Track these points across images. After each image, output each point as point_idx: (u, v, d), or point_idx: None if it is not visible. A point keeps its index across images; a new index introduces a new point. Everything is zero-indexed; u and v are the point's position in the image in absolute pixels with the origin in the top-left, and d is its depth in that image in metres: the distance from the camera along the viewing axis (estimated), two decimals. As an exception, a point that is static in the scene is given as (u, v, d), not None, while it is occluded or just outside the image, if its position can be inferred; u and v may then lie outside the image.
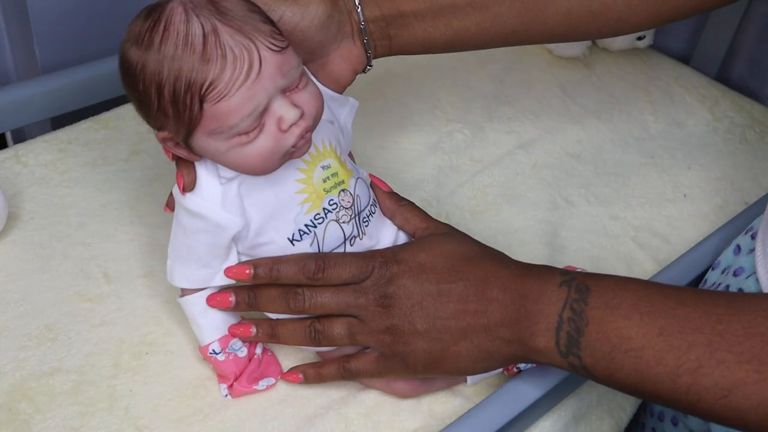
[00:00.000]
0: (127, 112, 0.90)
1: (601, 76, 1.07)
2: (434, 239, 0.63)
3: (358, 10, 0.67)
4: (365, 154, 0.90)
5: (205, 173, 0.59)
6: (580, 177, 0.91)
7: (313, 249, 0.61)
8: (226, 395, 0.64)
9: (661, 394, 0.51)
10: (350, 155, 0.69)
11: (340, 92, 0.69)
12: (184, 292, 0.63)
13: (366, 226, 0.64)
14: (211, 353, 0.63)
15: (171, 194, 0.62)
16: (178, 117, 0.55)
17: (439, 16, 0.69)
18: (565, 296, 0.55)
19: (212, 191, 0.59)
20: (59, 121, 0.90)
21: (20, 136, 0.95)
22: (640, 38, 1.09)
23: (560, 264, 0.75)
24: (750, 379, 0.48)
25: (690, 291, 0.54)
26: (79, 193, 0.80)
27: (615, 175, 0.92)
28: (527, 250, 0.81)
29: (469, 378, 0.66)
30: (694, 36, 1.12)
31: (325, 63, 0.68)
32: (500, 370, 0.66)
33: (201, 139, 0.56)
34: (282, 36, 0.56)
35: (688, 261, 0.76)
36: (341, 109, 0.68)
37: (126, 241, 0.76)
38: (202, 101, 0.54)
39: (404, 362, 0.60)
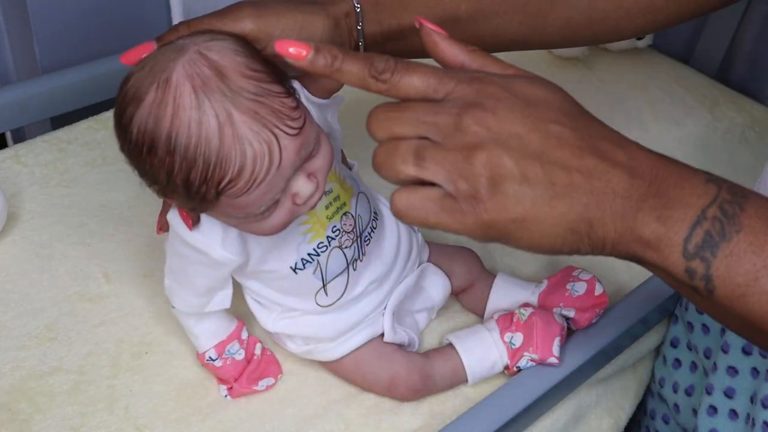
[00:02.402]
0: (127, 112, 0.90)
1: (601, 76, 1.07)
2: (542, 81, 0.50)
3: (359, 27, 0.65)
4: (365, 155, 0.90)
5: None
6: (579, 177, 0.91)
7: (316, 277, 0.61)
8: (226, 396, 0.64)
9: None
10: (342, 154, 0.68)
11: (329, 98, 0.66)
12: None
13: (367, 245, 0.63)
14: (208, 360, 0.63)
15: (162, 216, 0.60)
16: (189, 198, 0.51)
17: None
18: (714, 193, 0.46)
19: (214, 229, 0.57)
20: (59, 121, 0.90)
21: (20, 136, 0.95)
22: (639, 38, 1.09)
23: (560, 264, 0.75)
24: None
25: None
26: (78, 192, 0.80)
27: (615, 175, 0.92)
28: (527, 250, 0.81)
29: (470, 378, 0.66)
30: (694, 36, 1.12)
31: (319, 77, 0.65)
32: (501, 369, 0.66)
33: (213, 214, 0.54)
34: (297, 105, 0.52)
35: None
36: (328, 109, 0.66)
37: (125, 240, 0.76)
38: (219, 194, 0.50)
39: (475, 211, 0.45)
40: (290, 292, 0.62)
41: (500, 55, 0.54)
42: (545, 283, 0.70)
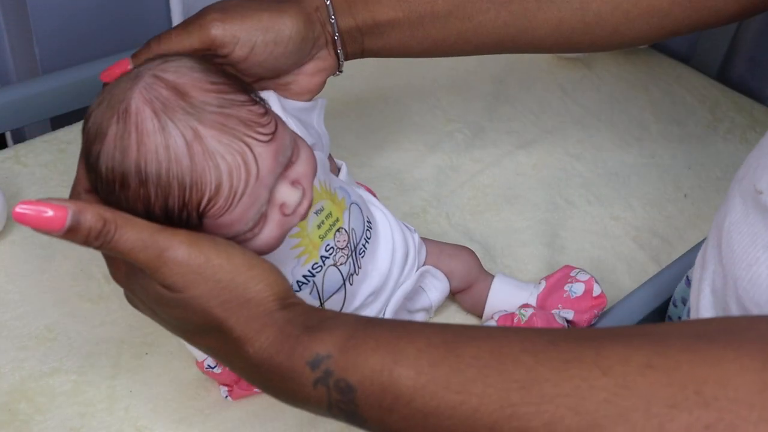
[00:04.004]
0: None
1: (601, 76, 1.07)
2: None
3: (332, 21, 0.65)
4: (365, 154, 0.90)
5: None
6: (580, 177, 0.91)
7: (313, 297, 0.60)
8: (227, 397, 0.64)
9: None
10: (330, 158, 0.68)
11: (311, 99, 0.66)
12: None
13: (362, 257, 0.63)
14: (207, 368, 0.63)
15: None
16: (172, 225, 0.49)
17: (417, 25, 0.66)
18: (326, 397, 0.44)
19: None
20: (59, 121, 0.90)
21: (20, 136, 0.95)
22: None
23: (559, 264, 0.75)
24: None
25: (478, 368, 0.41)
26: (79, 193, 0.80)
27: (615, 175, 0.92)
28: (527, 251, 0.81)
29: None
30: (694, 36, 1.12)
31: (298, 75, 0.65)
32: None
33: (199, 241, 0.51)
34: (265, 111, 0.51)
35: (688, 261, 0.76)
36: (312, 114, 0.66)
37: (126, 241, 0.76)
38: (201, 217, 0.49)
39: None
40: None
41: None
42: (543, 283, 0.70)
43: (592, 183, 0.91)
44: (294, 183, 0.51)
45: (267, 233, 0.51)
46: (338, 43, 0.65)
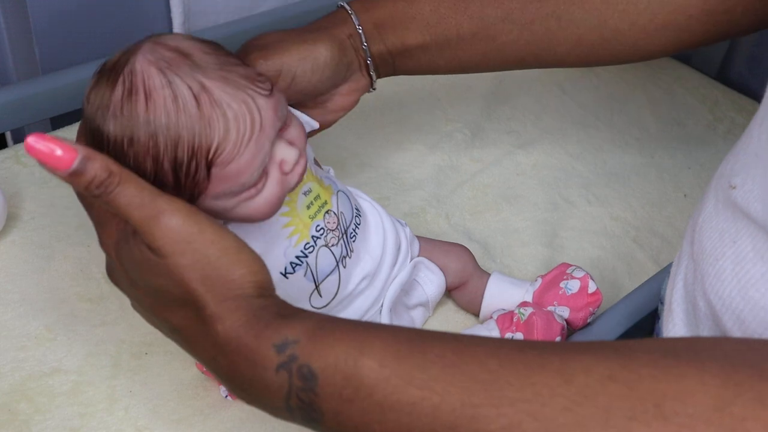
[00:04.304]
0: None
1: (601, 76, 1.07)
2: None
3: (364, 47, 0.68)
4: (365, 155, 0.90)
5: None
6: (580, 177, 0.91)
7: (308, 279, 0.61)
8: (226, 396, 0.64)
9: None
10: (315, 161, 0.69)
11: (344, 115, 0.70)
12: None
13: (353, 241, 0.63)
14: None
15: None
16: (179, 185, 0.51)
17: (444, 47, 0.70)
18: (287, 383, 0.44)
19: None
20: (59, 121, 0.90)
21: (20, 136, 0.95)
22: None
23: (559, 264, 0.75)
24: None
25: (442, 366, 0.41)
26: (78, 193, 0.80)
27: (615, 175, 0.92)
28: (527, 251, 0.81)
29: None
30: (695, 36, 1.12)
31: (334, 94, 0.69)
32: None
33: (206, 202, 0.53)
34: (261, 75, 0.54)
35: (688, 261, 0.76)
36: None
37: (126, 241, 0.76)
38: (209, 167, 0.50)
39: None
40: (284, 297, 0.62)
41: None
42: (539, 281, 0.71)
43: (592, 183, 0.91)
44: (290, 143, 0.54)
45: (269, 190, 0.53)
46: (371, 66, 0.69)
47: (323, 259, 0.61)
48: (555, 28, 0.68)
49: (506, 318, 0.67)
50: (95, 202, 0.51)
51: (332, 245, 0.62)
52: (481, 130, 0.96)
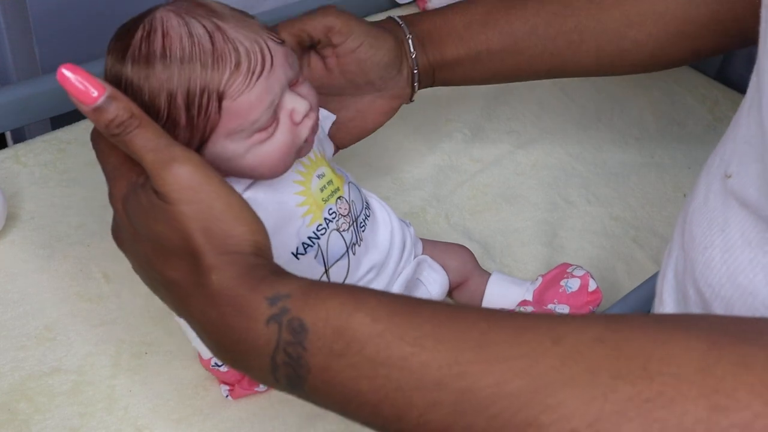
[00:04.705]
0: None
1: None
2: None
3: (413, 56, 0.73)
4: (365, 154, 0.90)
5: None
6: (580, 177, 0.91)
7: (318, 262, 0.61)
8: (227, 396, 0.64)
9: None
10: None
11: (382, 124, 0.74)
12: None
13: (363, 231, 0.64)
14: (213, 366, 0.63)
15: None
16: (192, 123, 0.53)
17: (476, 61, 0.74)
18: (276, 337, 0.44)
19: None
20: (59, 121, 0.90)
21: (20, 136, 0.95)
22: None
23: (559, 263, 0.75)
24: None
25: (433, 324, 0.41)
26: (78, 192, 0.80)
27: (615, 175, 0.92)
28: (527, 251, 0.81)
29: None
30: (694, 36, 1.12)
31: (378, 97, 0.73)
32: None
33: (218, 144, 0.55)
34: (274, 31, 0.57)
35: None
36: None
37: (125, 241, 0.76)
38: (221, 99, 0.52)
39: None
40: None
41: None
42: (540, 280, 0.71)
43: (592, 183, 0.91)
44: (301, 96, 0.56)
45: (279, 137, 0.55)
46: (416, 76, 0.73)
47: (334, 243, 0.62)
48: (577, 41, 0.72)
49: (506, 317, 0.67)
50: (110, 158, 0.52)
51: (343, 230, 0.62)
52: (481, 130, 0.96)
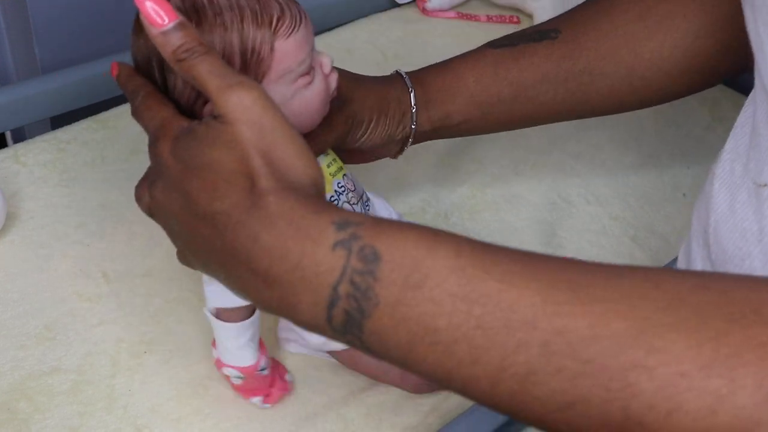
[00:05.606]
0: (127, 111, 0.90)
1: (601, 76, 1.07)
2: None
3: (413, 126, 0.71)
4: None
5: None
6: (579, 177, 0.91)
7: None
8: (264, 405, 0.64)
9: (475, 394, 0.39)
10: None
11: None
12: (220, 315, 0.60)
13: (368, 210, 0.65)
14: (234, 379, 0.63)
15: None
16: (246, 66, 0.54)
17: (487, 115, 0.72)
18: (342, 264, 0.40)
19: None
20: (59, 121, 0.90)
21: (20, 136, 0.95)
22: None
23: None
24: (594, 395, 0.36)
25: (523, 263, 0.39)
26: (78, 192, 0.80)
27: (614, 175, 0.92)
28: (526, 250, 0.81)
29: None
30: (694, 36, 1.12)
31: (369, 151, 0.72)
32: None
33: (269, 89, 0.55)
34: None
35: (687, 261, 0.76)
36: None
37: (125, 240, 0.76)
38: (274, 35, 0.54)
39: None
40: None
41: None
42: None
43: (591, 182, 0.91)
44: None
45: (317, 84, 0.58)
46: (409, 141, 0.72)
47: None
48: (588, 82, 0.71)
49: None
50: (160, 112, 0.51)
51: (353, 203, 0.63)
52: (480, 130, 0.96)
